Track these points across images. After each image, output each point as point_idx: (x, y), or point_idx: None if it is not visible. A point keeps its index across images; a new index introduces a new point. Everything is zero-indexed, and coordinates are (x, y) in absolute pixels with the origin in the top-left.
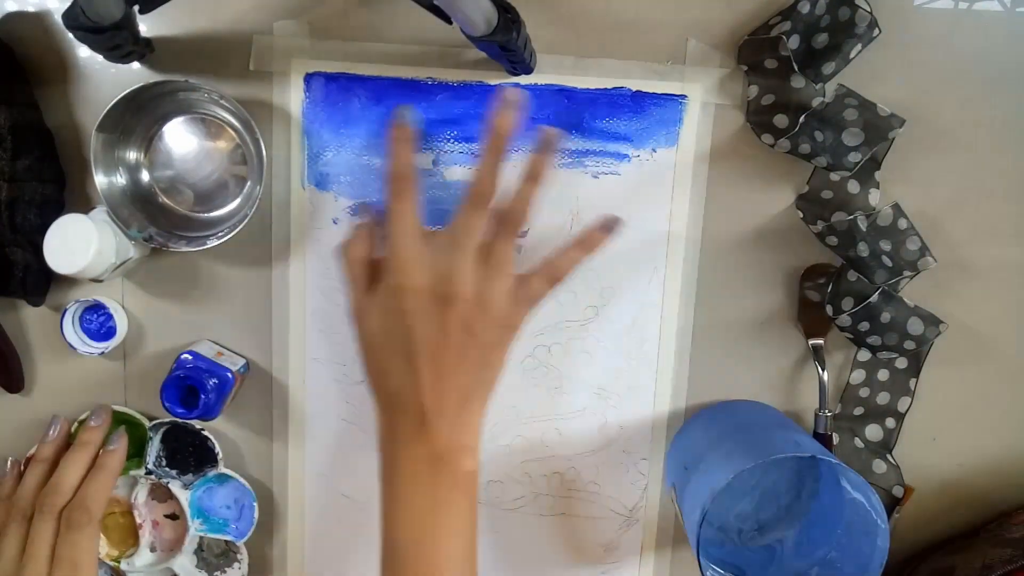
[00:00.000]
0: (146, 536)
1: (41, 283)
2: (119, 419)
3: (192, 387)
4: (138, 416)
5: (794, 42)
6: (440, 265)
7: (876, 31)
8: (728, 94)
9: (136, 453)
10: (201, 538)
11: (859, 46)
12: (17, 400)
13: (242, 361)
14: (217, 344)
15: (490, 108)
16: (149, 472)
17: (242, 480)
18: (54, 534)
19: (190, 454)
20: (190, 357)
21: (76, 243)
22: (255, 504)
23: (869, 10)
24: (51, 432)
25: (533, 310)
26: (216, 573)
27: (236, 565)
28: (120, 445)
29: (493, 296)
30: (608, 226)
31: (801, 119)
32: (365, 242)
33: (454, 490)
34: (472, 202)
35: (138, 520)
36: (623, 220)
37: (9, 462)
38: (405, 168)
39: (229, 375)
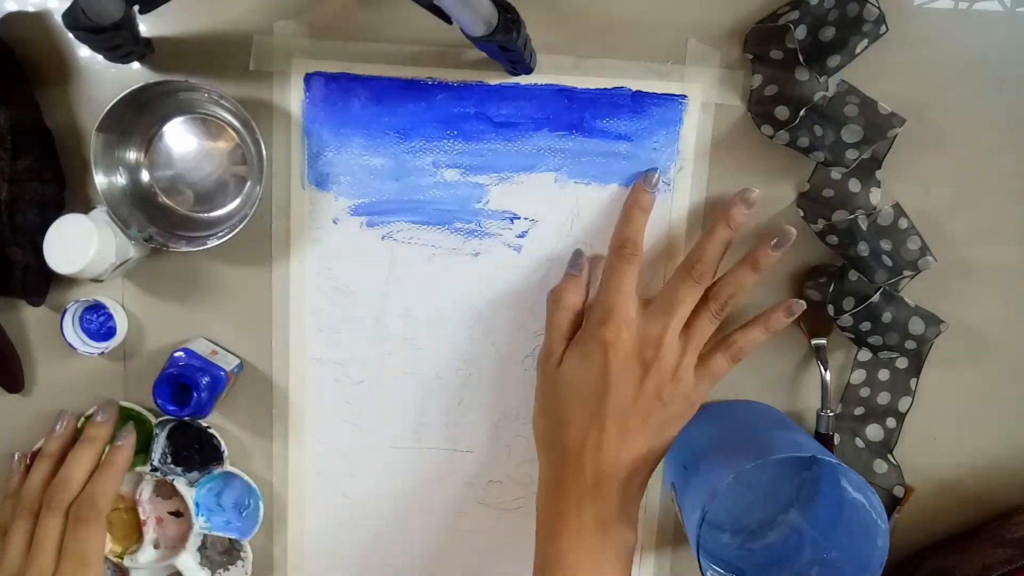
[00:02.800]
0: (150, 533)
1: (41, 283)
2: (125, 415)
3: (185, 385)
4: (145, 412)
5: (801, 32)
6: (649, 329)
7: (883, 28)
8: (728, 94)
9: (142, 449)
10: (205, 536)
11: (865, 42)
12: (17, 400)
13: (236, 360)
14: (211, 342)
15: (730, 198)
16: (154, 468)
17: (247, 478)
18: (61, 529)
19: (196, 451)
20: (183, 355)
21: (76, 243)
22: (260, 503)
23: (878, 6)
24: (58, 427)
25: (711, 387)
26: (219, 571)
27: (240, 563)
28: (128, 441)
29: (685, 369)
30: (792, 311)
31: (802, 113)
32: (579, 293)
33: (615, 560)
34: (690, 276)
35: (142, 516)
36: (804, 304)
37: (16, 457)
38: (637, 235)
39: (222, 374)
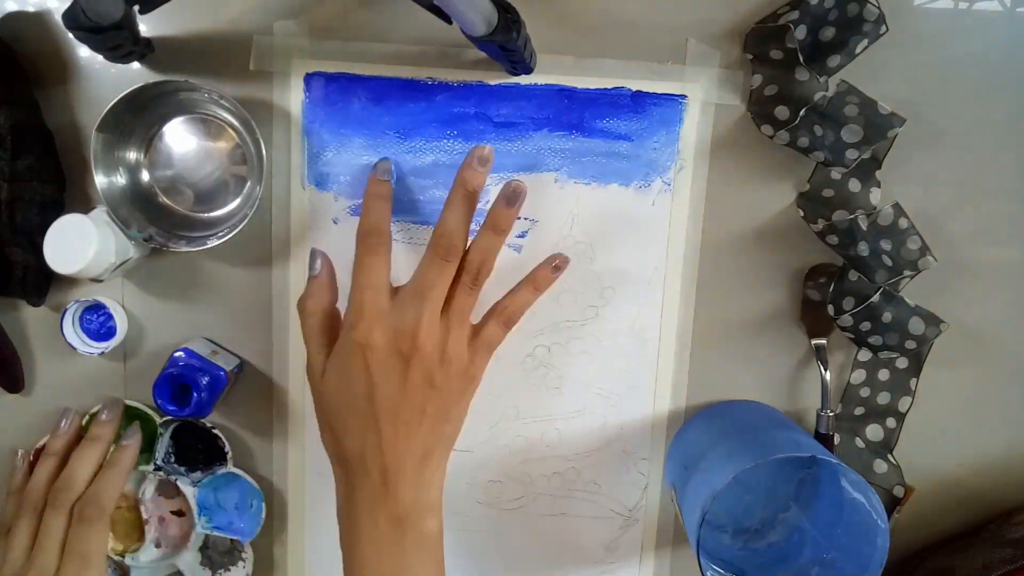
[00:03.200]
0: (152, 532)
1: (41, 283)
2: (130, 413)
3: (185, 385)
4: (150, 411)
5: (801, 32)
6: (403, 321)
7: (883, 28)
8: (728, 94)
9: (146, 448)
10: (207, 536)
11: (865, 42)
12: (17, 400)
13: (236, 360)
14: (212, 342)
15: (462, 161)
16: (158, 468)
17: (250, 479)
18: (65, 528)
19: (199, 451)
20: (183, 355)
21: (76, 243)
22: (263, 504)
23: (878, 6)
24: (62, 425)
25: (490, 357)
26: (220, 571)
27: (241, 564)
28: (133, 441)
29: (453, 348)
30: (558, 265)
31: (802, 112)
32: (324, 295)
33: (419, 552)
34: (437, 255)
35: (144, 516)
36: (570, 259)
37: (20, 454)
38: (380, 224)
39: (222, 374)
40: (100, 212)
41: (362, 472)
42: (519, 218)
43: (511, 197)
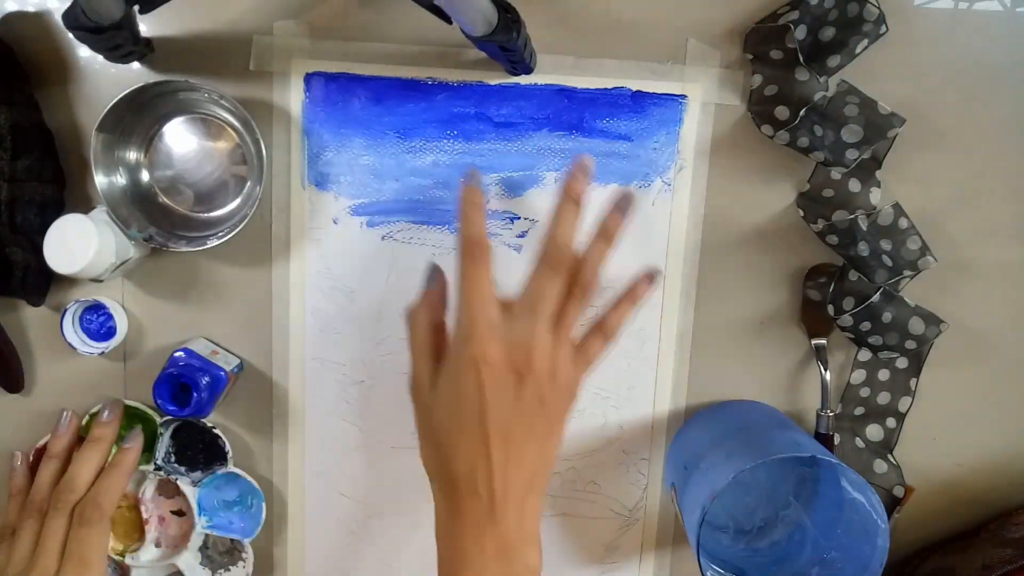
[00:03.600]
0: (152, 532)
1: (41, 283)
2: (131, 414)
3: (185, 384)
4: (150, 411)
5: (801, 32)
6: (516, 335)
7: (883, 28)
8: (728, 94)
9: (146, 448)
10: (206, 536)
11: (865, 42)
12: (17, 400)
13: (236, 360)
14: (212, 342)
15: (567, 171)
16: (158, 468)
17: (250, 479)
18: (66, 530)
19: (200, 451)
20: (183, 355)
21: (76, 243)
22: (263, 504)
23: (878, 6)
24: (62, 424)
25: (589, 373)
26: (220, 571)
27: (241, 564)
28: (136, 444)
29: (561, 364)
30: (653, 277)
31: (802, 112)
32: (435, 308)
33: None
34: (548, 267)
35: (145, 515)
36: (662, 271)
37: (19, 456)
38: (480, 234)
39: (222, 374)
40: (100, 212)
41: (470, 494)
42: (518, 218)
43: (622, 204)
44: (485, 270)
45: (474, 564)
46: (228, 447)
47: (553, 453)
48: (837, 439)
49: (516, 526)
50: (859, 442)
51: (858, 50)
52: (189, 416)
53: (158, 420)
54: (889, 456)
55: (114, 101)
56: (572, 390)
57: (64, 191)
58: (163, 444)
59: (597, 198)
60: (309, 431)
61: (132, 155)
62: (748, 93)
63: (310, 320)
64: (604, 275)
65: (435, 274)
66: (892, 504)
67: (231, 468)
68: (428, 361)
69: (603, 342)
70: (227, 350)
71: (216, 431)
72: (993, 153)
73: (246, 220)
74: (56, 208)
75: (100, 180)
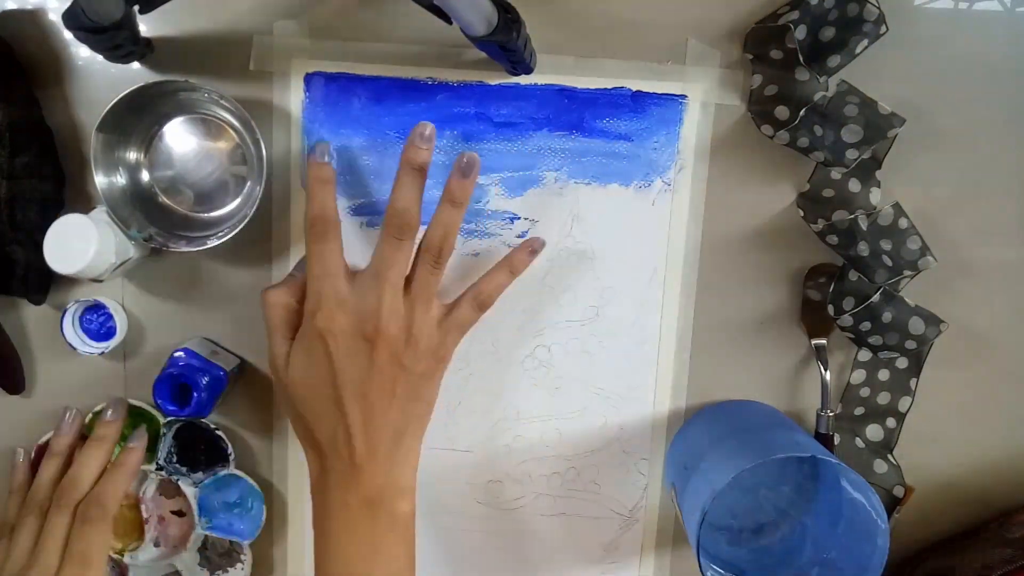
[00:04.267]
0: (151, 531)
1: (42, 281)
2: (133, 413)
3: (185, 385)
4: (153, 411)
5: (801, 32)
6: (364, 303)
7: (883, 28)
8: (728, 94)
9: (148, 448)
10: (206, 536)
11: (865, 42)
12: (17, 400)
13: (236, 360)
14: (212, 342)
15: (406, 142)
16: (159, 467)
17: (251, 481)
18: (68, 528)
19: (201, 452)
20: (183, 355)
21: (76, 243)
22: (263, 506)
23: (878, 6)
24: (65, 423)
25: (460, 338)
26: (218, 572)
27: (239, 566)
28: (140, 444)
29: (420, 328)
30: (534, 249)
31: (802, 113)
32: (292, 290)
33: (391, 534)
34: (392, 234)
35: (144, 515)
36: (545, 242)
37: (20, 453)
38: (326, 210)
39: (222, 374)
40: (100, 212)
41: (333, 456)
42: (518, 218)
43: (465, 169)
44: (331, 245)
45: (340, 517)
46: (230, 448)
47: (423, 413)
48: (837, 439)
49: (382, 481)
50: (859, 442)
51: (858, 50)
52: (189, 416)
53: (161, 420)
54: (889, 456)
55: (114, 101)
56: (438, 353)
57: (63, 189)
58: (165, 444)
59: (597, 197)
60: None
61: (132, 155)
62: (748, 93)
63: None
64: (453, 239)
65: (302, 263)
66: (892, 504)
67: (232, 469)
68: (283, 340)
69: (475, 309)
70: (227, 350)
71: (218, 432)
72: (993, 153)
73: (246, 220)
74: (56, 206)
75: (100, 180)
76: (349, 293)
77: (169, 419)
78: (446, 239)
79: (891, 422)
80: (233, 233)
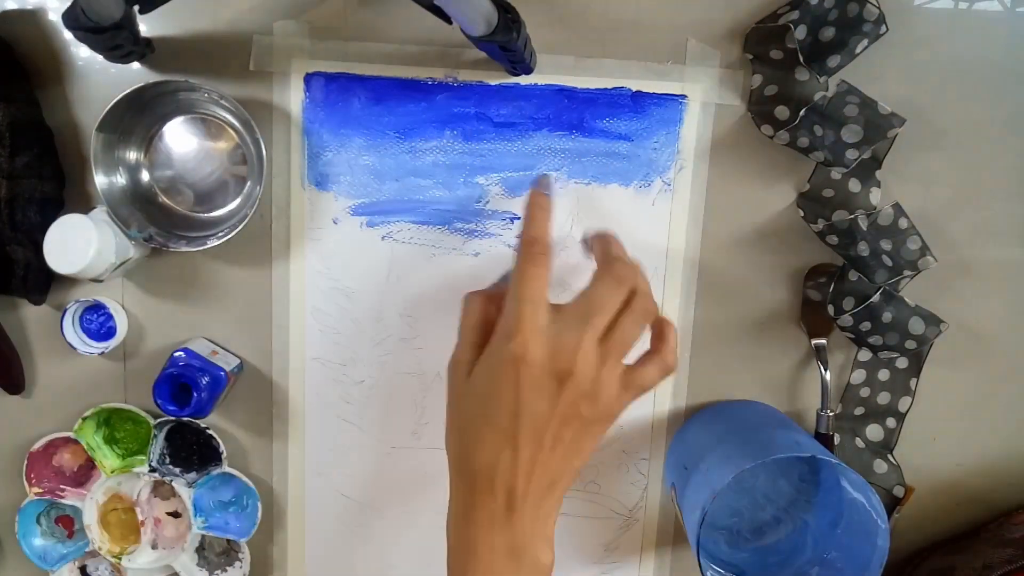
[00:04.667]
0: (148, 533)
1: (42, 281)
2: (124, 416)
3: (185, 385)
4: (142, 413)
5: (801, 32)
6: (563, 340)
7: (883, 28)
8: (728, 94)
9: (140, 450)
10: (203, 536)
11: (865, 42)
12: (17, 400)
13: (236, 360)
14: (212, 342)
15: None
16: (152, 469)
17: (245, 479)
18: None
19: (194, 452)
20: (183, 355)
21: (76, 243)
22: (258, 503)
23: (878, 6)
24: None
25: (635, 400)
26: (217, 572)
27: (237, 564)
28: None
29: (607, 380)
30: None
31: (802, 112)
32: (494, 300)
33: None
34: (612, 279)
35: (140, 517)
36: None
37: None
38: (543, 235)
39: (222, 374)
40: (100, 212)
41: (487, 490)
42: (518, 218)
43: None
44: (542, 270)
45: (483, 559)
46: (222, 447)
47: (578, 467)
48: (837, 439)
49: (530, 527)
50: (859, 442)
51: (858, 50)
52: (189, 416)
53: (152, 422)
54: (889, 456)
55: (114, 101)
56: (612, 411)
57: (64, 188)
58: (157, 446)
59: (597, 197)
60: (309, 431)
61: (132, 155)
62: (748, 93)
63: (310, 320)
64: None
65: (508, 277)
66: (892, 504)
67: (226, 468)
68: (472, 347)
69: (661, 373)
70: (227, 350)
71: (210, 432)
72: (993, 153)
73: (246, 220)
74: (56, 206)
75: (100, 180)
76: (548, 325)
77: (160, 420)
78: (653, 298)
79: (891, 422)
80: (233, 233)
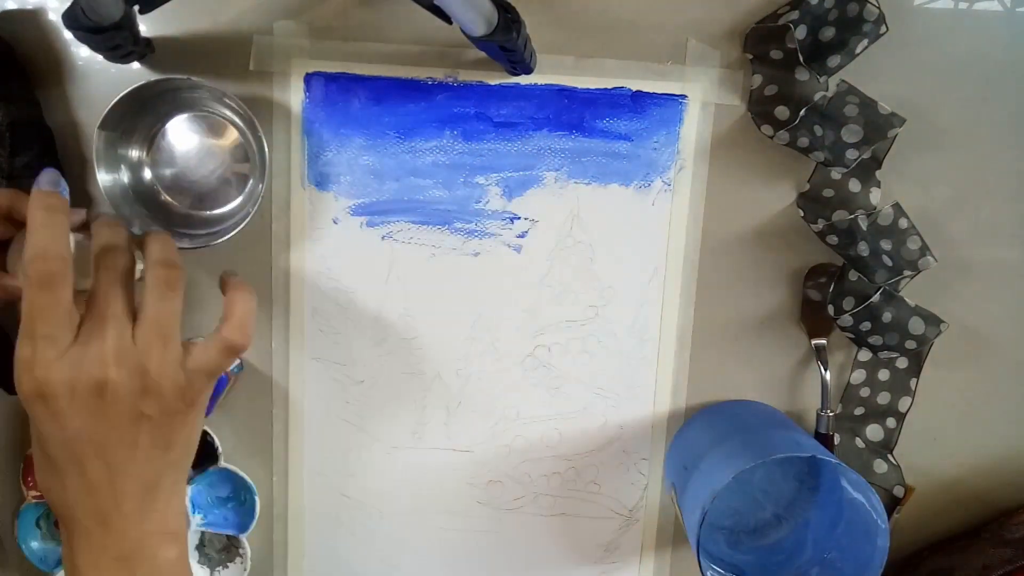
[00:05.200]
0: None
1: None
2: None
3: None
4: None
5: (801, 32)
6: (88, 353)
7: (883, 28)
8: (728, 94)
9: None
10: (203, 533)
11: (865, 42)
12: (15, 402)
13: (236, 360)
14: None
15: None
16: None
17: (242, 474)
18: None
19: None
20: None
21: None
22: (256, 497)
23: (878, 6)
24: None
25: (212, 380)
26: (218, 568)
27: (239, 560)
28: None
29: (162, 371)
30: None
31: (802, 112)
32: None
33: None
34: (106, 269)
35: None
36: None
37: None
38: (54, 247)
39: (223, 375)
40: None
41: (72, 519)
42: (518, 218)
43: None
44: (54, 296)
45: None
46: (218, 444)
47: (178, 459)
48: (837, 439)
49: (139, 533)
50: (859, 442)
51: (858, 50)
52: None
53: None
54: (889, 456)
55: (116, 99)
56: (189, 397)
57: None
58: None
59: (597, 197)
60: (309, 431)
61: (134, 153)
62: (748, 93)
63: (310, 320)
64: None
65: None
66: (892, 504)
67: (222, 464)
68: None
69: (219, 350)
70: None
71: (205, 428)
72: (993, 153)
73: (249, 218)
74: None
75: (102, 178)
76: (67, 346)
77: None
78: (175, 264)
79: (891, 422)
80: (236, 231)
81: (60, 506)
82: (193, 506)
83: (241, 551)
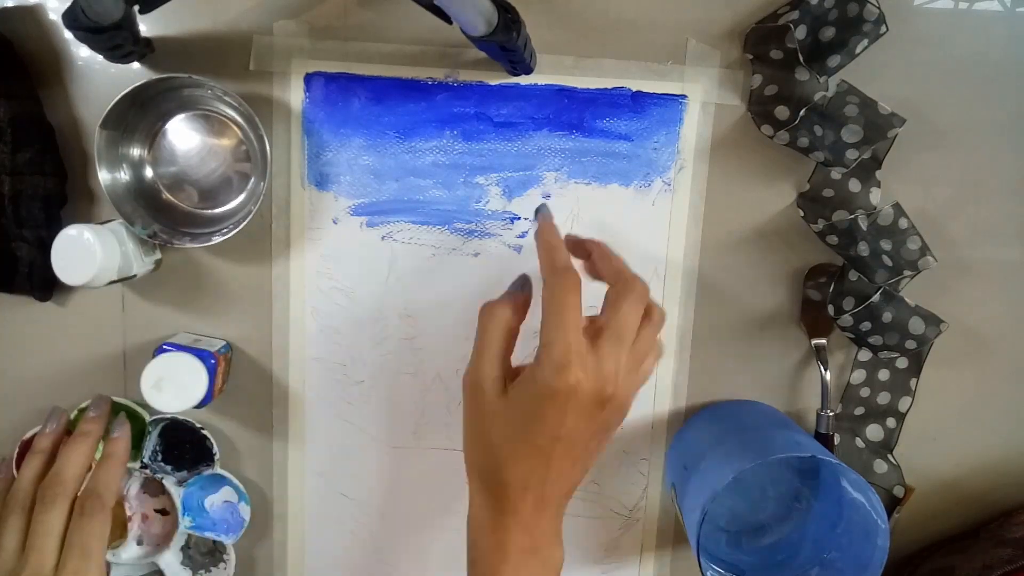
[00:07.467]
0: (134, 529)
1: (48, 277)
2: (119, 409)
3: None
4: (139, 408)
5: (801, 32)
6: (606, 368)
7: (883, 28)
8: (728, 94)
9: (133, 445)
10: (189, 536)
11: (865, 42)
12: (15, 395)
13: (221, 342)
14: (191, 334)
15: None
16: (144, 466)
17: (236, 481)
18: (61, 523)
19: (187, 451)
20: (168, 347)
21: (80, 259)
22: (248, 506)
23: (878, 6)
24: (50, 421)
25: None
26: (201, 572)
27: (222, 565)
28: (124, 432)
29: (631, 389)
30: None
31: (802, 112)
32: (518, 311)
33: None
34: (635, 296)
35: (128, 512)
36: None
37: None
38: (568, 261)
39: (209, 354)
40: (115, 225)
41: (518, 498)
42: (518, 218)
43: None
44: (578, 296)
45: (512, 560)
46: (216, 448)
47: (589, 469)
48: (837, 439)
49: (548, 528)
50: (859, 442)
51: (858, 50)
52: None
53: (147, 418)
54: (889, 456)
55: (118, 97)
56: (626, 411)
57: (65, 184)
58: (151, 442)
59: (597, 197)
60: (309, 431)
61: (136, 151)
62: (748, 93)
63: (310, 320)
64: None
65: (525, 282)
66: (892, 504)
67: (217, 469)
68: (497, 363)
69: (656, 361)
70: (208, 336)
71: (204, 431)
72: (993, 153)
73: (250, 216)
74: (59, 202)
75: (104, 177)
76: (589, 352)
77: (155, 417)
78: (659, 306)
79: (891, 422)
80: (237, 229)
81: (503, 484)
82: (183, 508)
83: (226, 557)
